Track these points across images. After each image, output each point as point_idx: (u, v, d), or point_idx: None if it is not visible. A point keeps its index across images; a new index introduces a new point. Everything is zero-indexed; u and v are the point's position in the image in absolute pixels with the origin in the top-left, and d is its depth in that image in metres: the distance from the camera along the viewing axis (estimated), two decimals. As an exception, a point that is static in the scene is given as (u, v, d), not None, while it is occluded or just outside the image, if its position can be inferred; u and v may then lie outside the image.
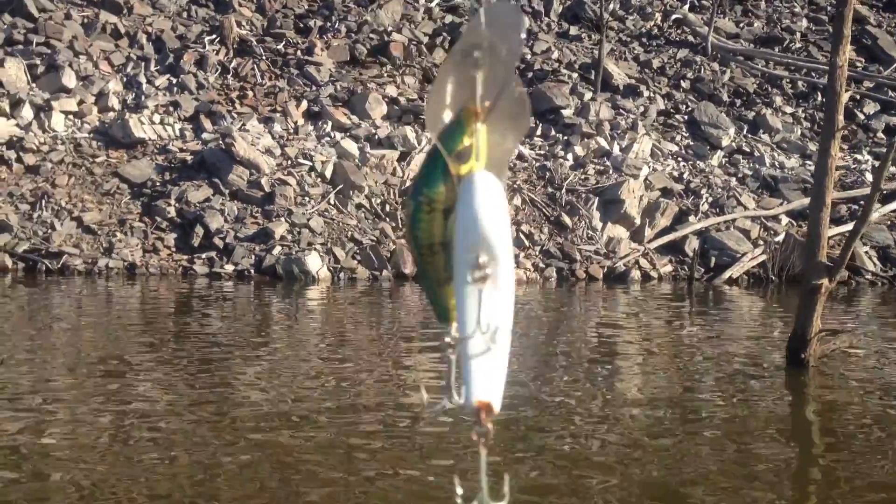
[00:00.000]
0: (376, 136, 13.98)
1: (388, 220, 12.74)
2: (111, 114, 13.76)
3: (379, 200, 13.05)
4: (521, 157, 14.56)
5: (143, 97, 14.10)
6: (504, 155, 1.10)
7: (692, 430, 5.26)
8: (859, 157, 15.27)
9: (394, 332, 8.65)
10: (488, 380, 1.00)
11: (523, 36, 1.08)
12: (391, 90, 15.16)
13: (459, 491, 1.05)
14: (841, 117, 6.54)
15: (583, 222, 13.46)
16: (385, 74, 15.68)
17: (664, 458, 4.70)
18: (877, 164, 15.14)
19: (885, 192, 14.09)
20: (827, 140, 6.56)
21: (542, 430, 5.16)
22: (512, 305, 1.02)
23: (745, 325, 9.85)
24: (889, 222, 13.55)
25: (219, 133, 13.33)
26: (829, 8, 18.71)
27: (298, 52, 15.60)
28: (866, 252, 13.03)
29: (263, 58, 15.38)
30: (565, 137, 15.08)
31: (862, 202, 14.01)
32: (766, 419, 5.59)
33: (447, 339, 1.03)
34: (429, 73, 15.97)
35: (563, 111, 15.47)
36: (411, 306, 10.50)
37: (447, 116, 1.08)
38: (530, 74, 16.38)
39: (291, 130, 14.01)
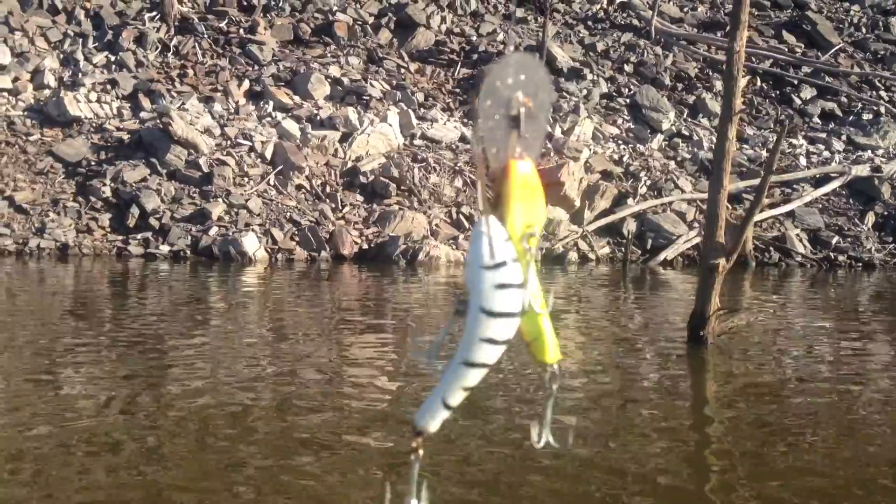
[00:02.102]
0: (318, 117, 13.94)
1: (327, 201, 12.74)
2: (47, 91, 13.52)
3: (320, 182, 13.03)
4: (463, 138, 14.62)
5: (80, 75, 13.87)
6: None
7: (586, 403, 5.40)
8: (794, 141, 15.60)
9: (333, 314, 8.69)
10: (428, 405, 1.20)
11: (553, 98, 1.24)
12: (335, 70, 15.11)
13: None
14: (738, 101, 6.72)
15: (523, 204, 13.58)
16: (329, 55, 15.62)
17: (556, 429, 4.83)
18: (812, 148, 15.52)
19: (817, 176, 14.47)
20: (724, 124, 6.74)
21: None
22: (472, 338, 1.16)
23: (667, 306, 10.06)
24: (821, 206, 13.90)
25: (157, 112, 13.18)
26: (770, -6, 19.01)
27: (241, 31, 15.46)
28: (797, 235, 13.36)
29: (205, 36, 15.20)
30: (508, 120, 15.17)
31: (796, 186, 14.37)
32: (654, 390, 5.79)
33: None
34: (373, 53, 15.94)
35: (506, 93, 15.54)
36: (350, 287, 10.55)
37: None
38: (475, 56, 16.43)
39: (232, 110, 13.90)
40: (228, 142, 13.12)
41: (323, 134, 13.57)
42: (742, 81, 6.74)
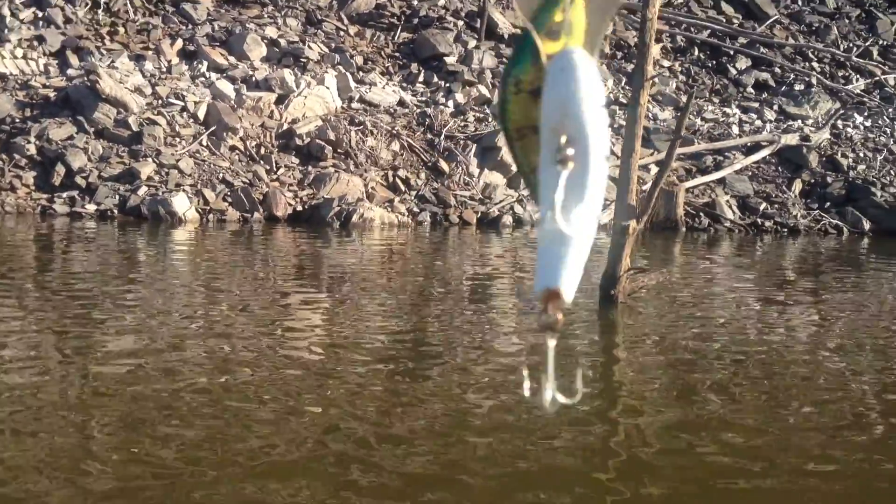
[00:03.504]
0: (253, 78, 13.73)
1: (262, 162, 12.60)
2: (-31, 47, 13.08)
3: (254, 143, 12.87)
4: (401, 102, 14.56)
5: (5, 30, 13.43)
6: (597, 32, 1.02)
7: (490, 358, 5.49)
8: (728, 110, 15.86)
9: (268, 275, 8.65)
10: (560, 267, 0.94)
11: None
12: (271, 31, 14.88)
13: (527, 385, 1.03)
14: (650, 68, 6.82)
15: (460, 168, 13.61)
16: (266, 15, 15.37)
17: (471, 384, 4.91)
18: (744, 117, 15.80)
19: (749, 144, 14.75)
20: (637, 90, 6.84)
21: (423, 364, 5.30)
22: (601, 192, 0.95)
23: (591, 268, 10.20)
24: (751, 173, 14.18)
25: (84, 70, 12.85)
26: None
27: (175, -11, 15.09)
28: (727, 201, 13.63)
29: (138, -7, 14.81)
30: (447, 85, 15.13)
31: (728, 154, 14.64)
32: (558, 352, 5.88)
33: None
34: (311, 15, 15.72)
35: (446, 58, 15.50)
36: (284, 248, 10.49)
37: None
38: (415, 21, 16.32)
39: (164, 69, 13.62)
40: (160, 101, 12.86)
41: (258, 95, 13.38)
42: (655, 49, 6.82)
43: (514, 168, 13.89)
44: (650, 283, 7.23)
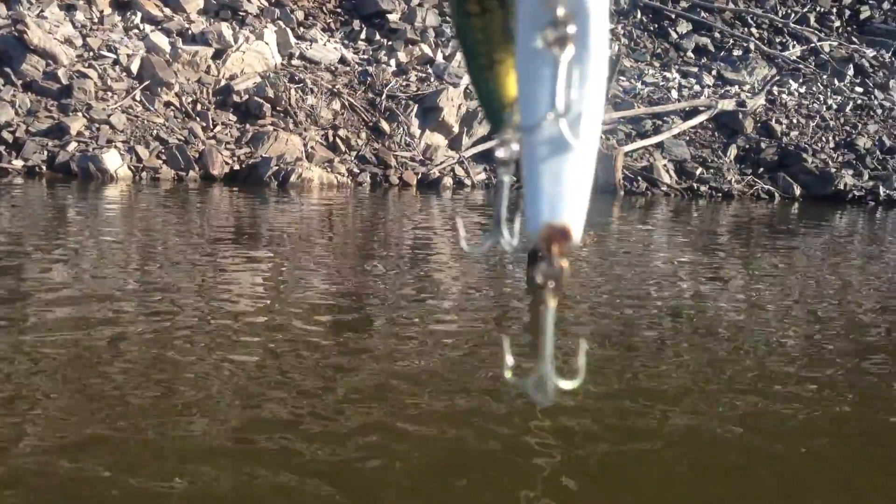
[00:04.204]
0: (190, 32, 13.38)
1: (198, 119, 12.33)
2: None
3: (190, 99, 12.58)
4: (343, 60, 14.35)
5: (-76, -25, 12.80)
6: None
7: (430, 316, 5.53)
8: (668, 74, 16.01)
9: (205, 233, 8.50)
10: (564, 193, 0.70)
11: None
12: (209, -17, 14.46)
13: (510, 361, 0.82)
14: None
15: (401, 129, 13.52)
16: (203, -34, 14.91)
17: (409, 349, 4.95)
18: (684, 82, 15.97)
19: (686, 109, 14.94)
20: None
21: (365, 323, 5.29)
22: (603, 86, 0.74)
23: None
24: (688, 138, 14.39)
25: (11, 19, 12.35)
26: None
27: (107, -64, 14.54)
28: (664, 165, 13.83)
29: (67, -61, 14.23)
30: (389, 43, 14.96)
31: (666, 117, 14.81)
32: (486, 307, 5.98)
33: (500, 152, 0.76)
34: (251, -33, 15.31)
35: (388, 16, 15.30)
36: (221, 208, 10.33)
37: None
38: (358, -25, 16.02)
39: (96, 20, 13.17)
40: (91, 53, 12.46)
41: (194, 49, 13.05)
42: None
43: (455, 129, 13.87)
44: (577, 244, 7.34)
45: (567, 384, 0.76)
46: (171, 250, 7.34)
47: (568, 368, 0.79)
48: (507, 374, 0.79)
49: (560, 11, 0.70)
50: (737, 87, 15.81)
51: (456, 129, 13.82)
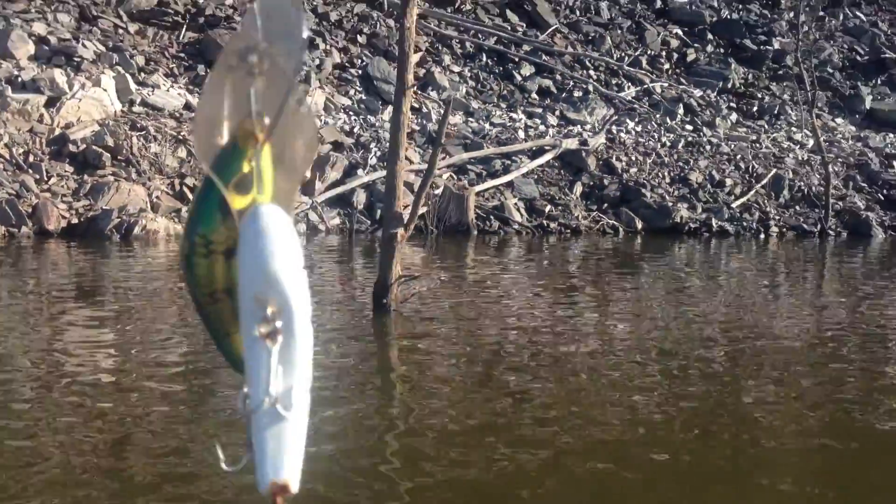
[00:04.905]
0: (20, 79, 12.67)
1: (30, 171, 11.64)
2: None
3: (21, 150, 11.87)
4: (188, 106, 13.98)
5: None
6: (292, 183, 0.91)
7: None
8: (514, 115, 16.55)
9: (43, 294, 7.97)
10: (284, 456, 0.83)
11: (305, 36, 0.89)
12: (40, 28, 13.79)
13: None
14: (410, 76, 7.04)
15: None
16: (34, 10, 14.22)
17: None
18: (530, 122, 16.55)
19: (534, 148, 15.46)
20: (399, 97, 7.01)
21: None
22: (309, 362, 0.87)
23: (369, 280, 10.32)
24: (536, 177, 14.87)
25: None
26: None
27: (-77, -22, 13.63)
28: (515, 204, 14.22)
29: None
30: (236, 87, 14.70)
31: (514, 157, 15.27)
32: (332, 363, 5.88)
33: (244, 392, 0.85)
34: (86, 10, 14.73)
35: (235, 60, 15.05)
36: (59, 265, 9.76)
37: (220, 139, 0.88)
38: (201, 20, 15.73)
39: (-89, 68, 12.25)
40: None
41: (25, 97, 12.36)
42: (414, 57, 7.00)
43: (307, 174, 13.73)
44: (420, 288, 7.43)
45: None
46: (2, 313, 6.86)
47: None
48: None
49: (269, 311, 0.83)
50: (579, 126, 16.52)
51: (308, 174, 13.68)
